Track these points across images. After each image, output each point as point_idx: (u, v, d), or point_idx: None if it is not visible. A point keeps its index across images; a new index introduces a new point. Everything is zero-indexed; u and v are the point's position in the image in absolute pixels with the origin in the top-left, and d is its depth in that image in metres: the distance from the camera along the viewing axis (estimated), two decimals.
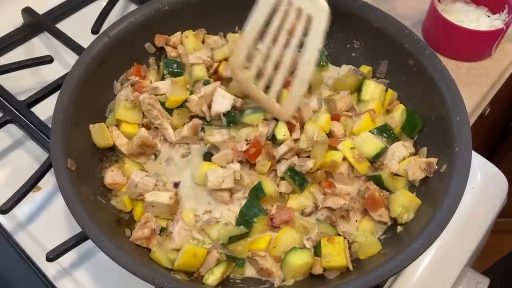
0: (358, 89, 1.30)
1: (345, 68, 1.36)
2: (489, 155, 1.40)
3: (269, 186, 1.14)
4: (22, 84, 1.47)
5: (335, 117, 1.24)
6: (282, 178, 1.17)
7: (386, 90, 1.31)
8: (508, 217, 1.55)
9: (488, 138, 2.10)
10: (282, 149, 1.17)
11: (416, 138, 1.22)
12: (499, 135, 2.29)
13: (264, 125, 1.21)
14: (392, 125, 1.21)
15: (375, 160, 1.17)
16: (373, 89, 1.27)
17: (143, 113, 1.24)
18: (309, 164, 1.14)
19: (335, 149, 1.18)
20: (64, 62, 1.54)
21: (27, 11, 1.58)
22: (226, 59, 1.33)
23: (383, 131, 1.19)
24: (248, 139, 1.19)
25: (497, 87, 1.55)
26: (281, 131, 1.18)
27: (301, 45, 1.11)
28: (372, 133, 1.18)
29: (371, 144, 1.16)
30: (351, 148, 1.16)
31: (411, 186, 1.15)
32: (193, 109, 1.24)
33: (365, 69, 1.33)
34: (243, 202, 1.14)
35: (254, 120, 1.20)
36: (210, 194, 1.16)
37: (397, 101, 1.29)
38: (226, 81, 1.31)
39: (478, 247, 1.26)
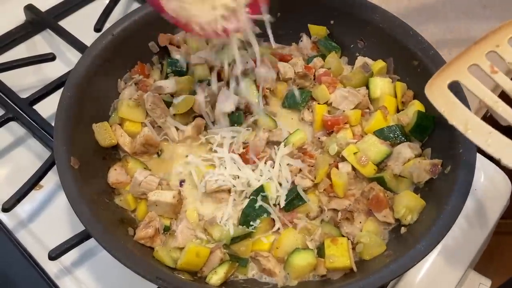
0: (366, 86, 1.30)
1: (360, 60, 1.35)
2: (491, 157, 1.39)
3: (272, 189, 1.13)
4: (24, 81, 1.47)
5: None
6: None
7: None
8: (510, 219, 1.54)
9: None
10: (281, 152, 1.17)
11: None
12: None
13: (265, 130, 1.20)
14: (405, 122, 1.21)
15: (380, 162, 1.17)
16: (381, 85, 1.27)
17: (146, 111, 1.24)
18: (307, 183, 1.14)
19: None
20: (66, 59, 1.53)
21: (29, 8, 1.57)
22: (229, 64, 1.32)
23: (391, 132, 1.19)
24: (246, 142, 1.19)
25: (500, 88, 1.54)
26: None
27: None
28: (378, 136, 1.18)
29: (376, 150, 1.15)
30: (354, 153, 1.15)
31: (416, 187, 1.15)
32: (197, 109, 1.24)
33: (380, 64, 1.32)
34: (246, 202, 1.13)
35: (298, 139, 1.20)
36: (210, 195, 1.16)
37: (410, 92, 1.27)
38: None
39: (481, 248, 1.26)
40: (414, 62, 1.25)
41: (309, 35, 1.41)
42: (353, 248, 1.07)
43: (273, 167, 1.16)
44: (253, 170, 1.17)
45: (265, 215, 1.10)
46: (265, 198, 1.12)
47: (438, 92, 0.95)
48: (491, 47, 0.97)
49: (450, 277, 1.20)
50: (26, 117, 1.33)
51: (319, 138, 1.22)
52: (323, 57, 1.37)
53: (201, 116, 1.25)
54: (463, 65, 0.96)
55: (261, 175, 1.15)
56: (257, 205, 1.10)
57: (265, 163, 1.17)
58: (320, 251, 1.07)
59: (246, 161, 1.18)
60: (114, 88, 1.28)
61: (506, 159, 0.88)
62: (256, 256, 1.08)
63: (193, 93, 1.27)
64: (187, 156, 1.23)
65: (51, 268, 1.16)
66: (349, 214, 1.12)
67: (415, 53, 1.24)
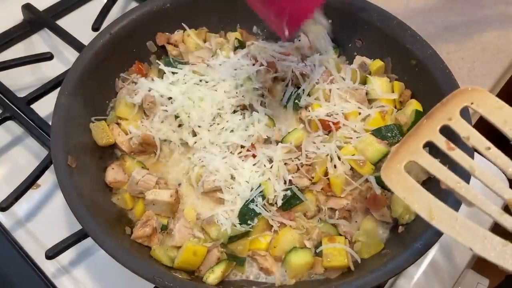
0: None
1: (358, 59, 1.35)
2: None
3: (269, 189, 1.13)
4: (22, 80, 1.47)
5: None
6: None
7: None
8: None
9: (488, 138, 2.09)
10: (280, 150, 1.16)
11: None
12: (498, 136, 2.28)
13: (262, 130, 1.20)
14: (403, 121, 1.21)
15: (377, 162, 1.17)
16: (378, 84, 1.27)
17: (144, 111, 1.23)
18: (305, 182, 1.14)
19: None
20: (64, 59, 1.53)
21: (27, 8, 1.57)
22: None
23: (389, 131, 1.18)
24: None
25: (498, 88, 1.55)
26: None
27: None
28: (376, 136, 1.17)
29: (374, 149, 1.15)
30: (352, 154, 1.15)
31: None
32: None
33: (377, 63, 1.32)
34: (243, 201, 1.13)
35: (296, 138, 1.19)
36: (207, 194, 1.16)
37: (408, 91, 1.28)
38: None
39: None
40: (412, 62, 1.25)
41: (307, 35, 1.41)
42: (351, 247, 1.07)
43: (271, 166, 1.16)
44: (250, 170, 1.16)
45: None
46: (262, 198, 1.12)
47: (395, 176, 0.87)
48: (443, 121, 0.90)
49: (448, 276, 1.20)
50: (24, 116, 1.33)
51: (316, 137, 1.22)
52: None
53: None
54: (417, 144, 0.88)
55: (258, 175, 1.15)
56: (252, 205, 1.09)
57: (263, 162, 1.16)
58: (318, 250, 1.07)
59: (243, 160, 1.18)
60: (112, 87, 1.28)
61: (477, 248, 0.80)
62: (254, 255, 1.08)
63: None
64: (184, 154, 1.23)
65: (48, 267, 1.16)
66: (346, 213, 1.12)
67: (413, 53, 1.24)
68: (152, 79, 1.27)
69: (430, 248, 0.96)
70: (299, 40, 1.41)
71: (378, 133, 1.19)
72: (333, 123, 1.21)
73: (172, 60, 1.31)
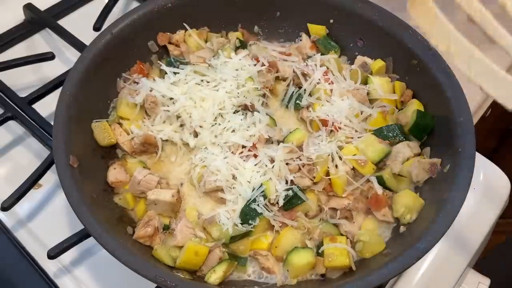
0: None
1: (360, 59, 1.35)
2: (490, 156, 1.39)
3: (271, 188, 1.13)
4: (23, 80, 1.47)
5: None
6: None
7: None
8: (509, 218, 1.54)
9: (489, 138, 2.10)
10: (281, 150, 1.16)
11: None
12: (499, 136, 2.29)
13: (264, 129, 1.20)
14: (404, 121, 1.21)
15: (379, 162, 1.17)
16: (380, 84, 1.27)
17: (145, 111, 1.24)
18: (306, 182, 1.14)
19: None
20: (66, 59, 1.53)
21: (29, 7, 1.57)
22: None
23: (390, 131, 1.19)
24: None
25: None
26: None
27: None
28: (377, 136, 1.18)
29: (375, 149, 1.15)
30: (353, 154, 1.15)
31: (415, 186, 1.15)
32: None
33: (379, 63, 1.32)
34: (245, 201, 1.13)
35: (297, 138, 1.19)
36: (209, 194, 1.16)
37: (409, 91, 1.28)
38: None
39: (479, 247, 1.26)
40: (413, 61, 1.25)
41: (309, 34, 1.41)
42: (353, 247, 1.08)
43: (273, 166, 1.16)
44: (252, 170, 1.16)
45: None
46: (264, 197, 1.12)
47: (421, 7, 0.84)
48: None
49: (449, 276, 1.20)
50: (25, 116, 1.33)
51: (318, 137, 1.22)
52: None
53: None
54: None
55: (260, 175, 1.15)
56: (253, 205, 1.09)
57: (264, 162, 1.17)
58: (319, 250, 1.07)
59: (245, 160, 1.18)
60: (113, 87, 1.28)
61: (487, 85, 0.80)
62: (255, 255, 1.08)
63: None
64: (186, 154, 1.23)
65: (50, 267, 1.16)
66: (348, 213, 1.12)
67: (414, 52, 1.24)
68: (154, 79, 1.27)
69: (431, 248, 0.96)
70: (300, 40, 1.42)
71: (379, 133, 1.19)
72: (334, 123, 1.21)
73: (174, 60, 1.32)
